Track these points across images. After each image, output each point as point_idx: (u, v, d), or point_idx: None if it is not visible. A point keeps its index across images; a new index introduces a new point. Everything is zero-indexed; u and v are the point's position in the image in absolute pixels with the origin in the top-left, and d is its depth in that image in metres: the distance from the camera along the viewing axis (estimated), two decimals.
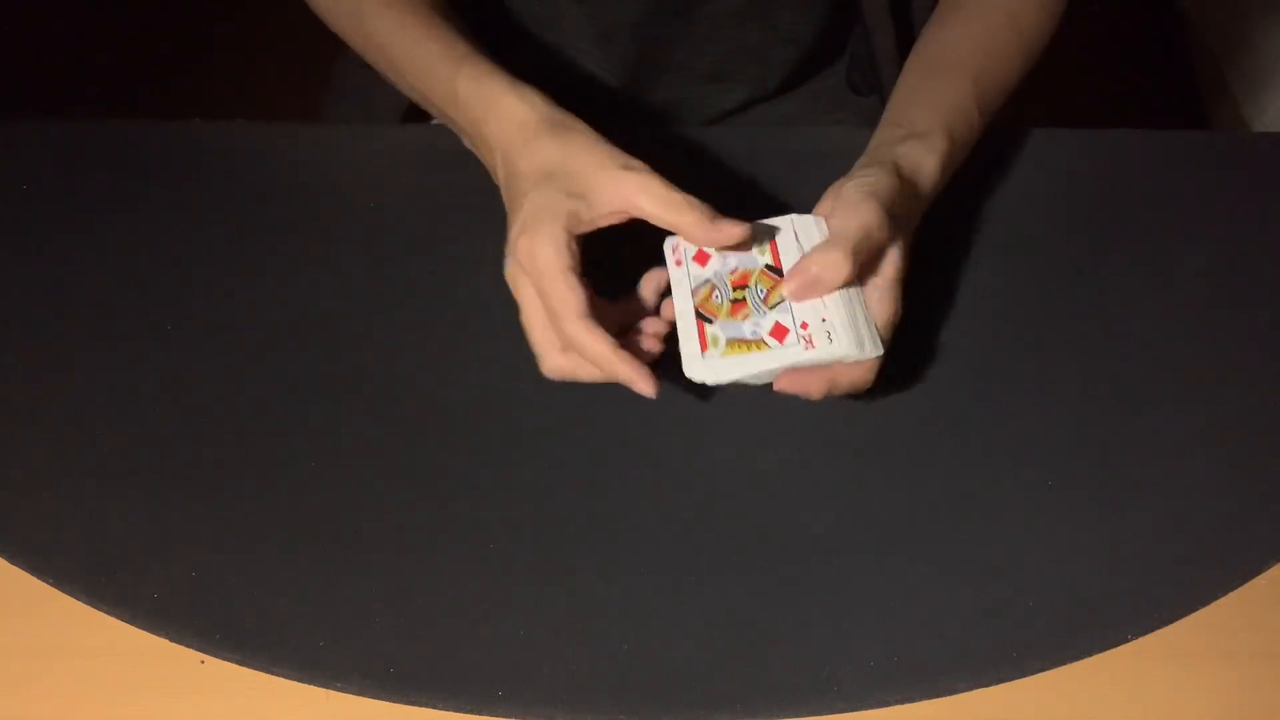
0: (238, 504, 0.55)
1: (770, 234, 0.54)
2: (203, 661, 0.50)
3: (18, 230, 0.66)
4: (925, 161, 0.58)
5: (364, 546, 0.53)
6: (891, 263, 0.53)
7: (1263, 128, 1.49)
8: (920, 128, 0.59)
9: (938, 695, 0.49)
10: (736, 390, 0.58)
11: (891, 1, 0.72)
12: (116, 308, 0.62)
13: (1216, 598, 0.52)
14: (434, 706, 0.49)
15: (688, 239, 0.52)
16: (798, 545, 0.53)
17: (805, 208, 0.55)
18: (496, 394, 0.59)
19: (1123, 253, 0.65)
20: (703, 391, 0.59)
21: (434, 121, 0.76)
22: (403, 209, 0.68)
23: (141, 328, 0.61)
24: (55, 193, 0.68)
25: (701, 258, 0.54)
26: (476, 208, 0.64)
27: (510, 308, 0.57)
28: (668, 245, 0.55)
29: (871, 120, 0.79)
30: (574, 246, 0.52)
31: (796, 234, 0.53)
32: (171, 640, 0.50)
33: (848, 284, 0.51)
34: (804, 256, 0.51)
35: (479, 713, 0.48)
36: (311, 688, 0.49)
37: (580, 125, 0.55)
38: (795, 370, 0.51)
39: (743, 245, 0.52)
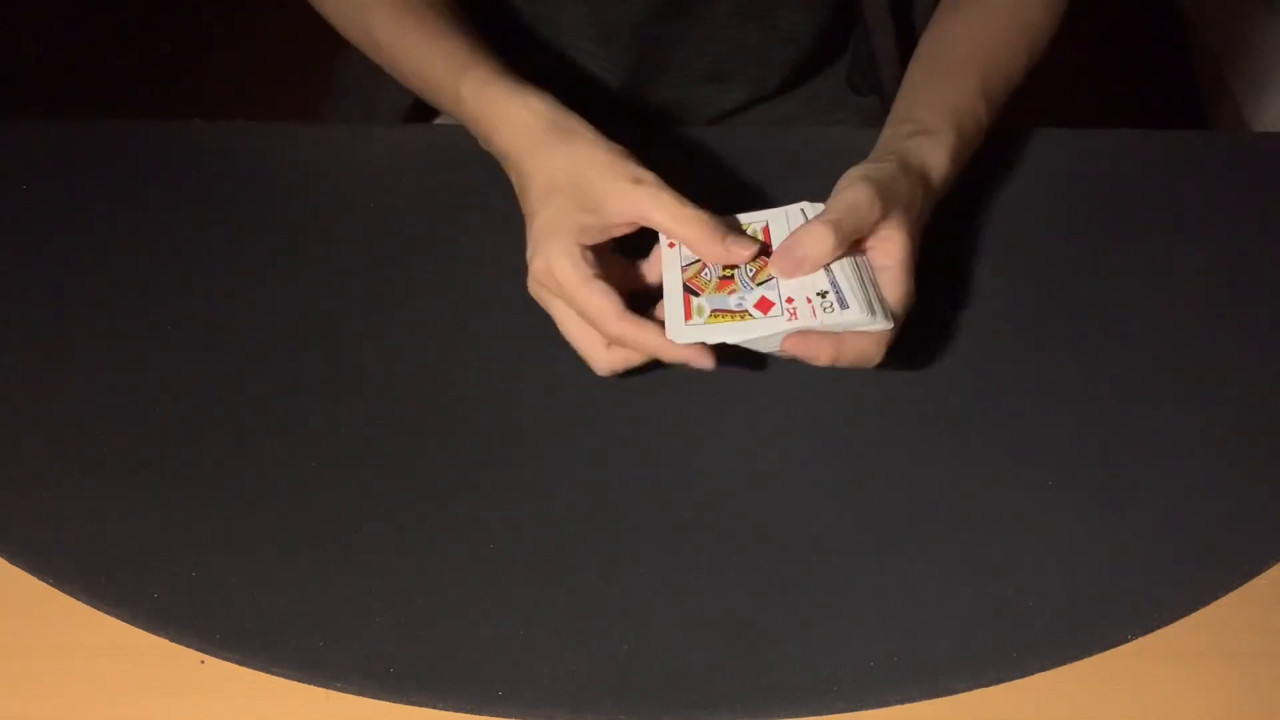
0: (238, 504, 0.55)
1: (764, 220, 0.55)
2: (203, 661, 0.50)
3: (18, 230, 0.66)
4: (934, 156, 0.58)
5: (364, 546, 0.53)
6: (899, 245, 0.53)
7: (1263, 128, 1.49)
8: (928, 125, 0.59)
9: (938, 695, 0.49)
10: (737, 389, 0.59)
11: (892, 1, 0.72)
12: (116, 308, 0.62)
13: (1216, 598, 0.52)
14: (434, 706, 0.49)
15: (698, 254, 0.53)
16: (798, 545, 0.53)
17: None
18: (496, 394, 0.59)
19: (1123, 253, 0.65)
20: (704, 391, 0.59)
21: (435, 121, 0.76)
22: (403, 209, 0.67)
23: (141, 328, 0.61)
24: (55, 193, 0.68)
25: None
26: (477, 208, 0.64)
27: (510, 308, 0.58)
28: None
29: (871, 120, 0.80)
30: (589, 255, 0.52)
31: (789, 220, 0.54)
32: (171, 640, 0.50)
33: (834, 256, 0.51)
34: (791, 233, 0.52)
35: (479, 713, 0.48)
36: (311, 688, 0.49)
37: (585, 130, 0.55)
38: (803, 334, 0.51)
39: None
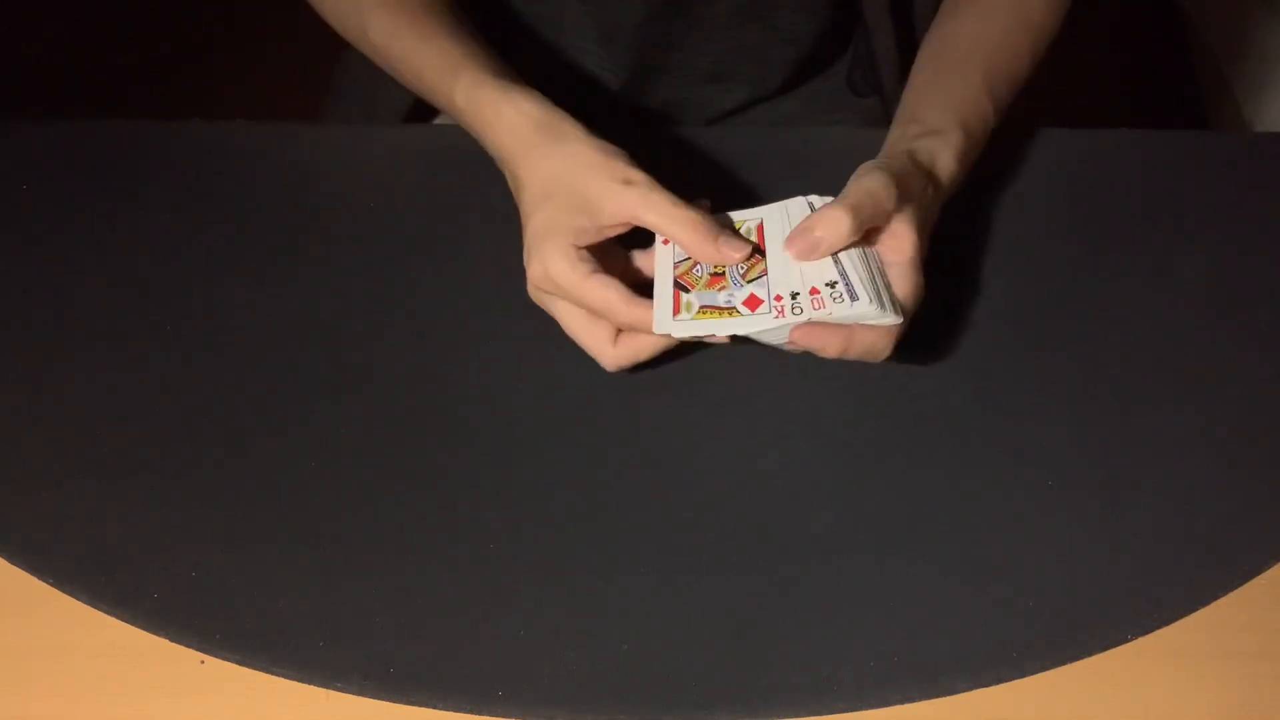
0: (238, 504, 0.55)
1: (758, 218, 0.55)
2: (203, 661, 0.50)
3: (18, 230, 0.66)
4: (941, 156, 0.58)
5: (364, 546, 0.53)
6: (908, 242, 0.53)
7: (1263, 128, 1.49)
8: (935, 125, 0.59)
9: (938, 695, 0.49)
10: (737, 389, 0.59)
11: (892, 2, 0.72)
12: (116, 308, 0.62)
13: (1216, 598, 0.52)
14: (434, 706, 0.49)
15: (690, 254, 0.53)
16: (798, 545, 0.53)
17: None
18: (496, 394, 0.59)
19: (1123, 253, 0.65)
20: (704, 391, 0.59)
21: (434, 121, 0.76)
22: (403, 209, 0.67)
23: (141, 328, 0.61)
24: (55, 193, 0.68)
25: None
26: (477, 208, 0.64)
27: (510, 308, 0.58)
28: None
29: (871, 121, 0.80)
30: (585, 253, 0.52)
31: (789, 214, 0.54)
32: (171, 640, 0.50)
33: (849, 240, 0.51)
34: (806, 218, 0.52)
35: (479, 713, 0.48)
36: (311, 688, 0.49)
37: (576, 130, 0.55)
38: (813, 325, 0.51)
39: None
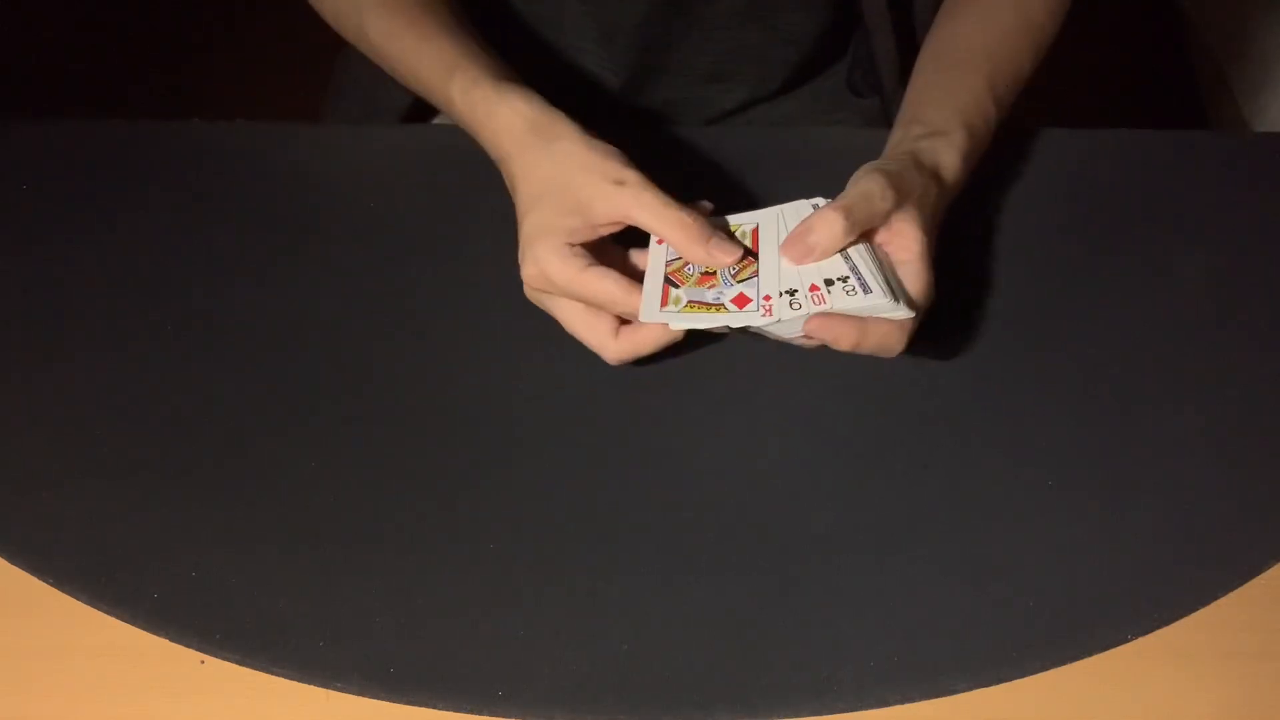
0: (238, 504, 0.55)
1: (755, 222, 0.55)
2: (203, 661, 0.50)
3: (18, 230, 0.66)
4: (945, 156, 0.58)
5: (364, 546, 0.53)
6: (915, 239, 0.53)
7: (1263, 128, 1.49)
8: (939, 125, 0.59)
9: (938, 695, 0.49)
10: (737, 389, 0.59)
11: (891, 2, 0.73)
12: (116, 308, 0.62)
13: (1216, 598, 0.52)
14: (434, 706, 0.49)
15: (681, 254, 0.53)
16: (798, 545, 0.53)
17: None
18: (496, 394, 0.59)
19: (1123, 253, 0.65)
20: (704, 390, 0.59)
21: (434, 121, 0.76)
22: (403, 209, 0.68)
23: (141, 328, 0.61)
24: (55, 193, 0.68)
25: None
26: (477, 208, 0.64)
27: (510, 308, 0.58)
28: None
29: (871, 121, 0.80)
30: (579, 249, 0.52)
31: (786, 218, 0.54)
32: (171, 640, 0.50)
33: (845, 243, 0.51)
34: (802, 221, 0.52)
35: (479, 713, 0.48)
36: (311, 688, 0.49)
37: (569, 130, 0.55)
38: (827, 317, 0.51)
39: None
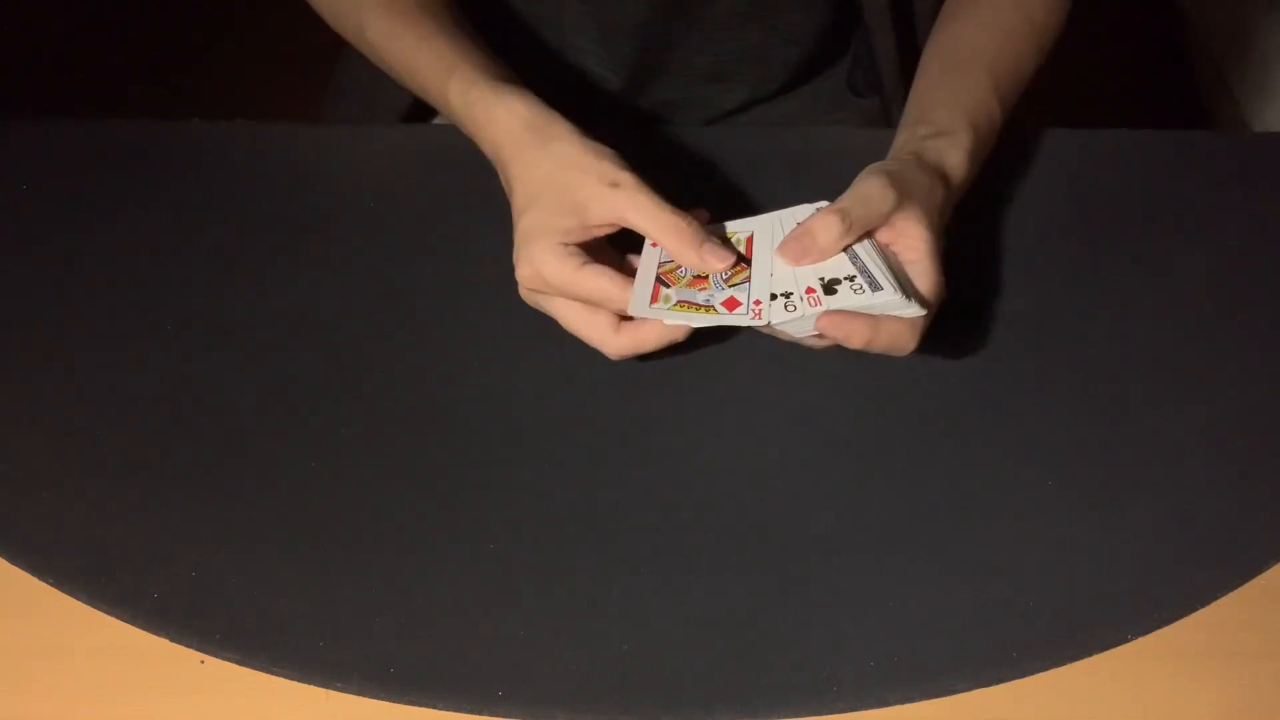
0: (238, 504, 0.55)
1: (750, 229, 0.55)
2: (203, 661, 0.50)
3: (18, 230, 0.66)
4: (951, 155, 0.58)
5: (364, 546, 0.53)
6: (921, 239, 0.53)
7: (1263, 128, 1.49)
8: (943, 125, 0.59)
9: (938, 695, 0.49)
10: (737, 389, 0.59)
11: (892, 2, 0.73)
12: (116, 308, 0.62)
13: (1216, 598, 0.52)
14: (434, 706, 0.49)
15: (674, 258, 0.53)
16: (798, 545, 0.53)
17: None
18: (496, 394, 0.59)
19: (1123, 253, 0.65)
20: (704, 390, 0.59)
21: (434, 121, 0.76)
22: (403, 209, 0.68)
23: (141, 328, 0.61)
24: (55, 193, 0.68)
25: None
26: (477, 208, 0.64)
27: (511, 308, 0.57)
28: None
29: (871, 121, 0.80)
30: (574, 248, 0.52)
31: (783, 223, 0.54)
32: (171, 640, 0.50)
33: (843, 244, 0.52)
34: (799, 223, 0.52)
35: (479, 713, 0.48)
36: (311, 688, 0.49)
37: (565, 131, 0.55)
38: (839, 314, 0.51)
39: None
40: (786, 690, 0.49)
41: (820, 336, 0.52)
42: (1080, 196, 0.68)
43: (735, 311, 0.51)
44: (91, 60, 1.73)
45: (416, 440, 0.57)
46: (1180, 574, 0.52)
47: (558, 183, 0.53)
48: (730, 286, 0.52)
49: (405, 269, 0.64)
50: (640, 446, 0.57)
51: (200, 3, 1.84)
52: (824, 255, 0.52)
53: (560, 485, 0.55)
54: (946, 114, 0.60)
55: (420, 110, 0.74)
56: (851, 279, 0.51)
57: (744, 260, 0.53)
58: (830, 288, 0.51)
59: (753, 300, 0.51)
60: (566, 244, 0.52)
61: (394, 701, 0.49)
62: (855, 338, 0.51)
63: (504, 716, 0.48)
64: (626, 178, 0.53)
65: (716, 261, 0.52)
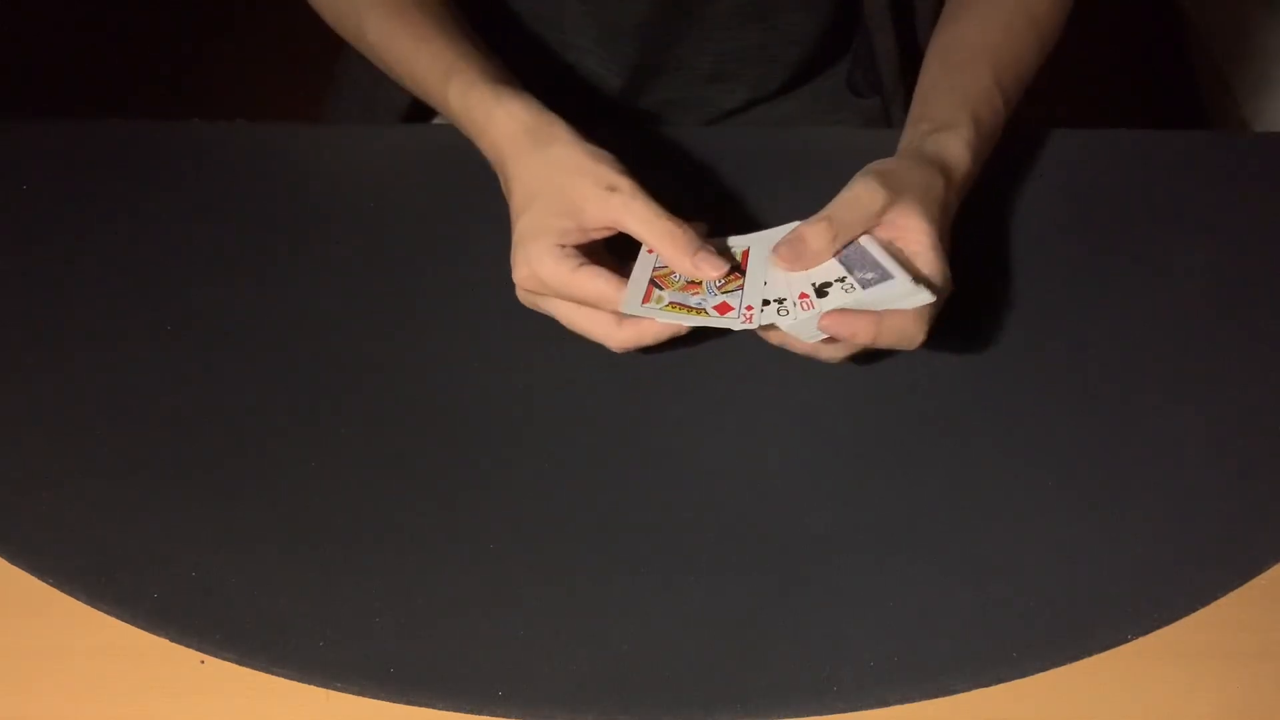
0: (238, 504, 0.55)
1: (747, 243, 0.56)
2: (203, 661, 0.50)
3: (18, 230, 0.66)
4: (953, 147, 0.58)
5: (364, 546, 0.53)
6: (922, 232, 0.53)
7: (1263, 128, 1.49)
8: (944, 119, 0.60)
9: (938, 695, 0.49)
10: (737, 388, 0.59)
11: (892, 2, 0.73)
12: (116, 307, 0.62)
13: (1216, 598, 0.52)
14: (434, 706, 0.49)
15: (668, 264, 0.53)
16: (798, 545, 0.53)
17: (805, 208, 0.55)
18: (496, 394, 0.59)
19: (1123, 253, 0.65)
20: (704, 390, 0.59)
21: (434, 121, 0.76)
22: (403, 209, 0.68)
23: (141, 328, 0.61)
24: (55, 193, 0.68)
25: None
26: (477, 208, 0.64)
27: (511, 308, 0.57)
28: None
29: (872, 121, 0.80)
30: (570, 249, 0.52)
31: (777, 236, 0.55)
32: (171, 640, 0.50)
33: (833, 250, 0.52)
34: (793, 229, 0.53)
35: (479, 713, 0.48)
36: (311, 688, 0.49)
37: (563, 134, 0.55)
38: (842, 312, 0.51)
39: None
40: (786, 690, 0.49)
41: (831, 342, 0.52)
42: (1080, 196, 0.68)
43: (726, 316, 0.51)
44: (91, 60, 1.73)
45: (416, 440, 0.57)
46: (1180, 574, 0.52)
47: (555, 185, 0.53)
48: (724, 293, 0.52)
49: (405, 269, 0.64)
50: (640, 446, 0.57)
51: (200, 3, 1.84)
52: (817, 259, 0.52)
53: (560, 485, 0.55)
54: (947, 109, 0.60)
55: (420, 110, 0.74)
56: (842, 280, 0.51)
57: (738, 270, 0.53)
58: (822, 291, 0.51)
59: (745, 306, 0.51)
60: (563, 245, 0.53)
61: (394, 701, 0.49)
62: (861, 334, 0.51)
63: (504, 716, 0.48)
64: (624, 182, 0.53)
65: (710, 269, 0.52)
